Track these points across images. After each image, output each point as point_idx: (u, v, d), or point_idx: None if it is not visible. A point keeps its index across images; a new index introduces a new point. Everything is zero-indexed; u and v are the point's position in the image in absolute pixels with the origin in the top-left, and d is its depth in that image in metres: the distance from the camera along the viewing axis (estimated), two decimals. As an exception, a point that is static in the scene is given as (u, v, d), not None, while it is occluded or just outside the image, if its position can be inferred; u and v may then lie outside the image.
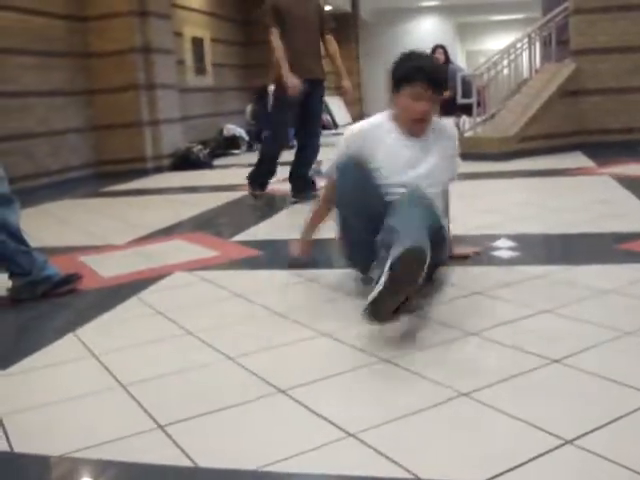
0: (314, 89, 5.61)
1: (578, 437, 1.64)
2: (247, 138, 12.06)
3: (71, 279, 3.34)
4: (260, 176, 5.99)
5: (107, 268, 3.78)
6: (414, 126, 3.01)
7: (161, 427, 1.85)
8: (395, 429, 1.77)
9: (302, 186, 5.80)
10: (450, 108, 8.74)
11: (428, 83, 2.91)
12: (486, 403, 1.86)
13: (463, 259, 3.32)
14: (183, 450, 1.72)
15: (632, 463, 1.52)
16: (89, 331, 2.74)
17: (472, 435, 1.73)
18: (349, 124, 19.12)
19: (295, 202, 5.72)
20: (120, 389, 2.13)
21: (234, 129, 11.94)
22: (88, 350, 2.52)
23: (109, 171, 9.05)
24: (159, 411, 1.95)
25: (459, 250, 3.37)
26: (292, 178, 5.88)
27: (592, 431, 1.67)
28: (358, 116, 20.97)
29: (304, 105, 5.58)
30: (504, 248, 3.58)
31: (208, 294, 3.17)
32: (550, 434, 1.67)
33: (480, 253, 3.45)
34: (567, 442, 1.63)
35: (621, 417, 1.73)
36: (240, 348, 2.41)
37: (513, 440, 1.68)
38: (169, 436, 1.80)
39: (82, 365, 2.40)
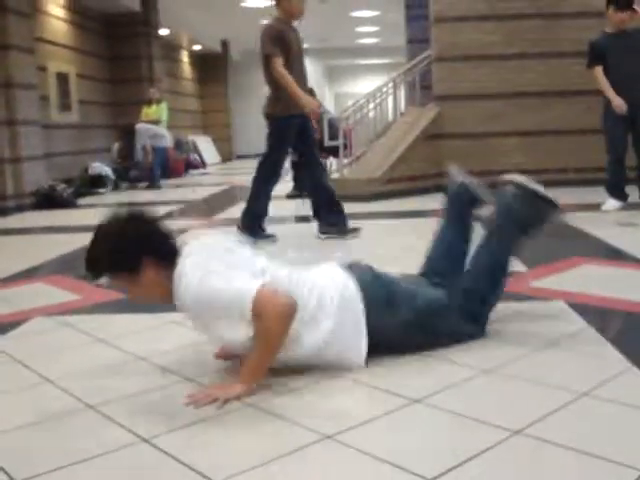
0: None
1: (438, 476, 1.68)
2: (113, 177, 11.84)
3: None
4: None
5: (-39, 313, 3.60)
6: None
7: (15, 483, 1.76)
8: (261, 475, 1.76)
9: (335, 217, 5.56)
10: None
11: None
12: (350, 445, 1.88)
13: None
14: (39, 507, 1.65)
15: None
16: (-61, 381, 2.60)
17: (338, 478, 1.74)
18: (218, 163, 19.15)
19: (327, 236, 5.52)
20: (-28, 443, 2.03)
21: (100, 167, 11.71)
22: (-62, 402, 2.38)
23: (-34, 209, 8.67)
24: (15, 466, 1.85)
25: None
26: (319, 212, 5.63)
27: (452, 469, 1.71)
28: (227, 155, 21.08)
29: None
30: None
31: (69, 340, 3.07)
32: (413, 474, 1.70)
33: None
34: (428, 481, 1.66)
35: (480, 453, 1.79)
36: (102, 395, 2.34)
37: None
38: (24, 493, 1.72)
39: None
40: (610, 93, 6.11)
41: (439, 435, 1.97)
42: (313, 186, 5.63)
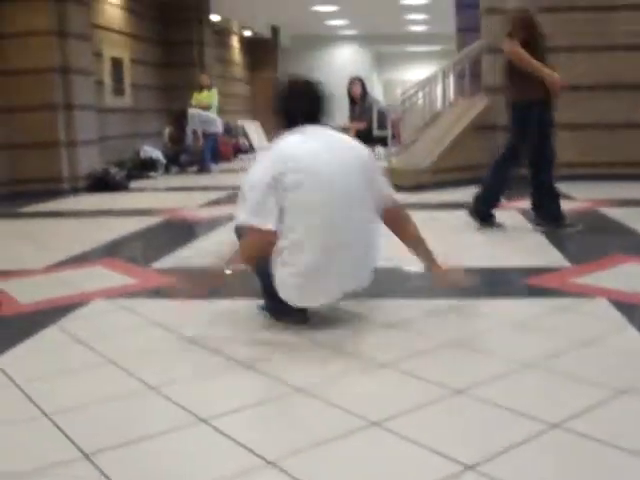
0: None
1: (478, 463, 1.79)
2: (164, 161, 12.05)
3: (-11, 305, 3.33)
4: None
5: (25, 294, 3.77)
6: None
7: (87, 456, 1.91)
8: (311, 456, 1.88)
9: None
10: (366, 139, 8.99)
11: None
12: (393, 431, 2.00)
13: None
14: (109, 478, 1.79)
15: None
16: (10, 359, 2.76)
17: (382, 461, 1.86)
18: (265, 148, 19.29)
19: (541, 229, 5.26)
20: (44, 418, 2.18)
21: (151, 151, 11.91)
22: (9, 378, 2.54)
23: (24, 191, 8.89)
24: (84, 440, 2.01)
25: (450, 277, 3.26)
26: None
27: (492, 458, 1.82)
28: (274, 141, 21.20)
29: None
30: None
31: (128, 323, 3.23)
32: (452, 460, 1.81)
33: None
34: (467, 468, 1.77)
35: (519, 444, 1.89)
36: (161, 377, 2.49)
37: (418, 466, 1.82)
38: (95, 465, 1.86)
39: (4, 394, 2.42)
40: None
41: (479, 425, 2.07)
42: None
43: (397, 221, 3.20)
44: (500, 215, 5.53)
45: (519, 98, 5.16)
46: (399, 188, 7.42)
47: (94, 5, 11.00)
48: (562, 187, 7.69)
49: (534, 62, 4.98)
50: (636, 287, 3.50)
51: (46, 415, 2.20)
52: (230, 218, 6.29)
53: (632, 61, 6.76)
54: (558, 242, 4.68)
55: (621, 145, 8.29)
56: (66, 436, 2.04)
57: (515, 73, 5.12)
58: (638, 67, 6.35)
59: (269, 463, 1.84)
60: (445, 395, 2.25)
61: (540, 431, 1.97)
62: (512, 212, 6.03)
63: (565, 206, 6.36)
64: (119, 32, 12.42)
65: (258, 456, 1.87)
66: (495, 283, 3.61)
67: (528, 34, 5.04)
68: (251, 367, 2.56)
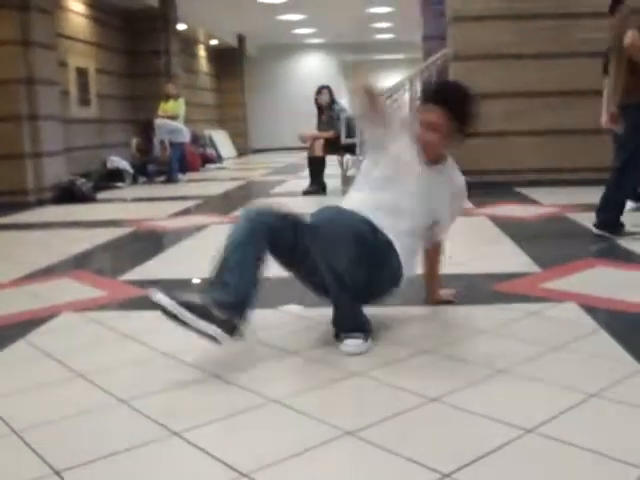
0: None
1: (454, 471, 1.78)
2: (131, 171, 11.96)
3: (-45, 320, 3.26)
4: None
5: (-9, 308, 3.72)
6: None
7: (57, 473, 1.87)
8: (286, 468, 1.86)
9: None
10: (334, 147, 9.01)
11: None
12: (370, 441, 1.98)
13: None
14: (80, 495, 1.76)
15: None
16: (-24, 375, 2.72)
17: (357, 471, 1.85)
18: (234, 157, 19.26)
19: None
20: (13, 435, 2.14)
21: (118, 161, 11.83)
22: (-24, 395, 2.50)
23: (-12, 203, 8.81)
24: (54, 457, 1.97)
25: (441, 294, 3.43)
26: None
27: (468, 465, 1.81)
28: (243, 150, 21.21)
29: None
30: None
31: (98, 336, 3.19)
32: (429, 468, 1.80)
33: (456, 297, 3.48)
34: (444, 476, 1.76)
35: (494, 451, 1.89)
36: (132, 391, 2.45)
37: (394, 475, 1.80)
38: (65, 482, 1.83)
39: (-30, 410, 2.38)
40: None
41: (454, 432, 2.07)
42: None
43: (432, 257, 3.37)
44: (470, 221, 5.57)
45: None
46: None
47: (58, 14, 10.93)
48: (527, 192, 7.81)
49: None
50: (605, 291, 3.53)
51: (15, 432, 2.15)
52: (198, 228, 6.31)
53: (594, 69, 6.84)
54: (527, 247, 4.70)
55: (587, 150, 8.38)
56: (36, 453, 2.00)
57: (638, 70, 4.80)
58: (599, 74, 6.41)
59: (243, 476, 1.81)
60: (420, 403, 2.24)
61: (515, 437, 1.97)
62: (481, 218, 6.06)
63: (533, 212, 6.44)
64: (84, 42, 12.35)
65: (232, 469, 1.85)
66: (465, 290, 3.61)
67: None
68: (223, 378, 2.54)
